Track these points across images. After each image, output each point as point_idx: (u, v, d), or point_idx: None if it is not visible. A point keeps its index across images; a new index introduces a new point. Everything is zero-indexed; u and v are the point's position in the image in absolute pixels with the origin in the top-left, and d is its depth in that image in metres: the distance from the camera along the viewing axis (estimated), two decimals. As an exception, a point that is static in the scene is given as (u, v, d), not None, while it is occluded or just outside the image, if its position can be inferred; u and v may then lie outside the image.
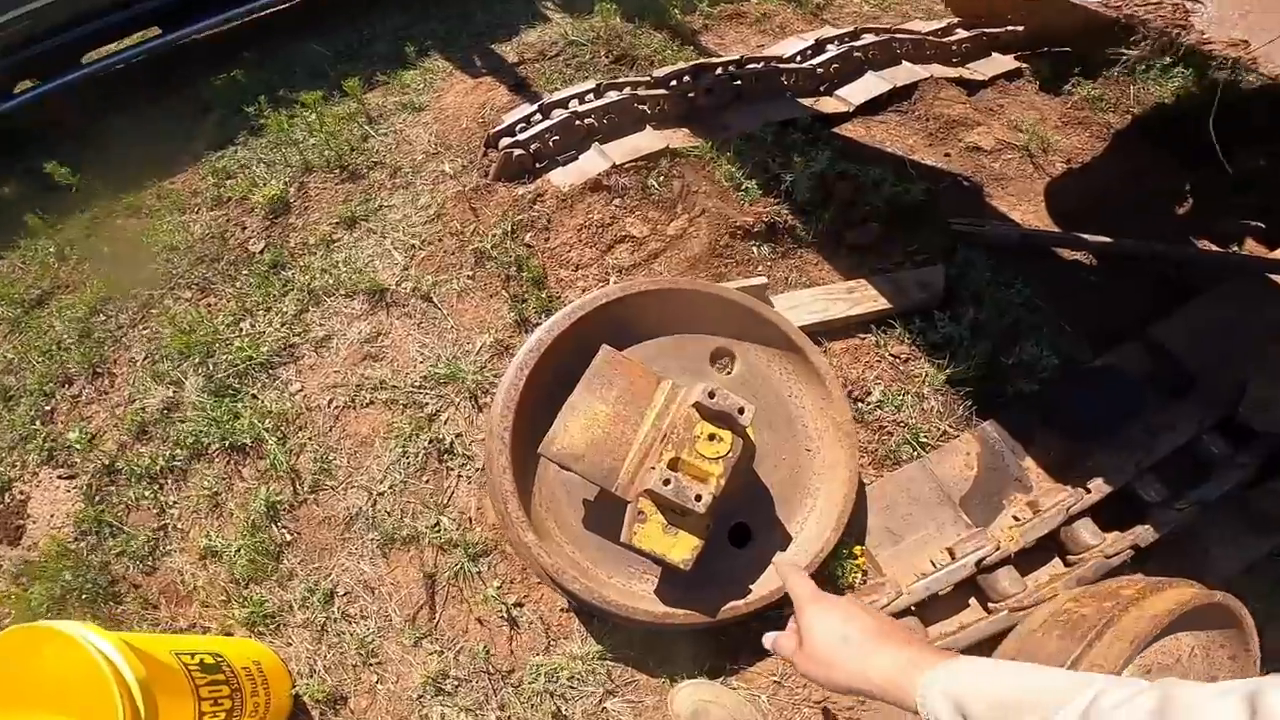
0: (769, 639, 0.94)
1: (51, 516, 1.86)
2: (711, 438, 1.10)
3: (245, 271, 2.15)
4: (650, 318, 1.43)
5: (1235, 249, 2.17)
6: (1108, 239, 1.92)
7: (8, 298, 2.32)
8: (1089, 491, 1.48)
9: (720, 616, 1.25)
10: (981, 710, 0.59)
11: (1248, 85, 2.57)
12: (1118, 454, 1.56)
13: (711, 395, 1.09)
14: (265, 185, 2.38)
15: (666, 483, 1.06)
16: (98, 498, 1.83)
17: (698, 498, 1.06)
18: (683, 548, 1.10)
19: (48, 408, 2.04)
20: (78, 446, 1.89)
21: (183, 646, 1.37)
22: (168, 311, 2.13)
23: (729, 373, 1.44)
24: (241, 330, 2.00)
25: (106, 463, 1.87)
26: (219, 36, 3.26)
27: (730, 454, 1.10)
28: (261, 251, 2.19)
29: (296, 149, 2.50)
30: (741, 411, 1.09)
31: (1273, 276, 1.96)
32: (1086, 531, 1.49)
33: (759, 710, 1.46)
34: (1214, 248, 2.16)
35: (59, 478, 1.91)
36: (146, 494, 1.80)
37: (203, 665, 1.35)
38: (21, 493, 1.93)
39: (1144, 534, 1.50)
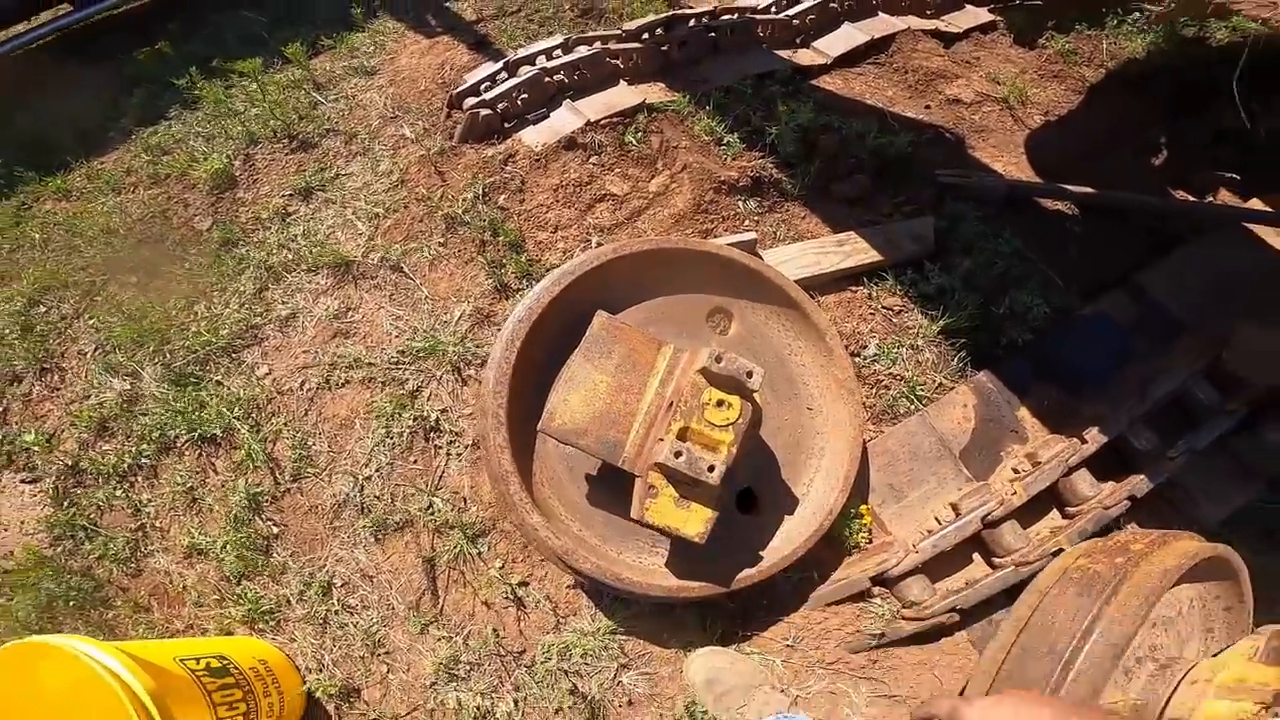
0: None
1: (21, 523, 1.74)
2: (720, 404, 1.04)
3: (194, 251, 1.99)
4: (641, 280, 1.35)
5: (1210, 200, 2.18)
6: (1092, 190, 1.90)
7: None
8: (1085, 442, 1.48)
9: (735, 586, 1.21)
10: None
11: (1217, 42, 2.56)
12: (1111, 403, 1.56)
13: (719, 360, 1.03)
14: (206, 160, 2.19)
15: (678, 455, 0.99)
16: (67, 500, 1.71)
17: (710, 468, 1.00)
18: (697, 521, 1.04)
19: None
20: (36, 448, 1.75)
21: (186, 651, 1.31)
22: (113, 299, 1.96)
23: (726, 333, 1.37)
24: (197, 314, 1.85)
25: (70, 463, 1.74)
26: (138, 9, 3.02)
27: (740, 420, 1.04)
28: (209, 229, 2.02)
29: (237, 120, 2.30)
30: (750, 375, 1.03)
31: (1251, 226, 1.96)
32: (1084, 483, 1.50)
33: (772, 673, 1.46)
34: (1190, 198, 2.16)
35: (21, 482, 1.78)
36: (118, 493, 1.69)
37: (210, 669, 1.29)
38: None
39: (1140, 484, 1.52)
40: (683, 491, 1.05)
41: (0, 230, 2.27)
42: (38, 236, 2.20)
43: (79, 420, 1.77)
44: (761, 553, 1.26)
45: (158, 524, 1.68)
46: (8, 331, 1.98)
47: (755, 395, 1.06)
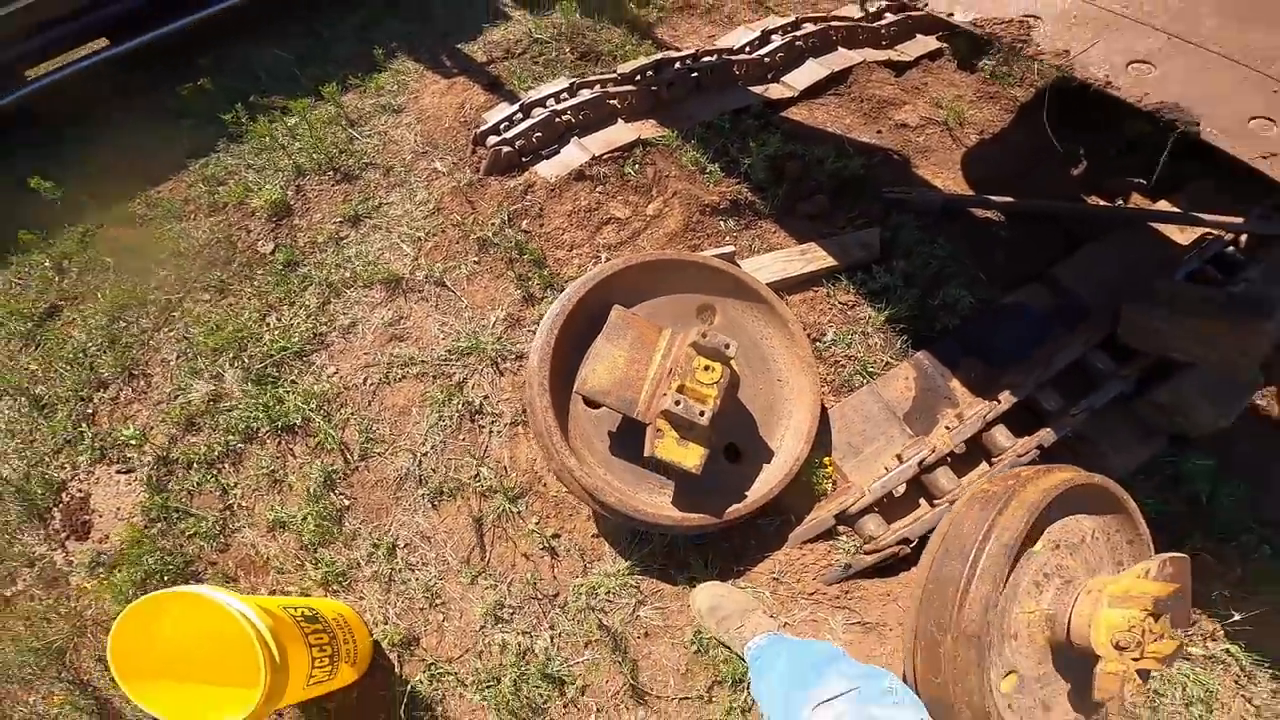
0: None
1: (118, 509, 2.07)
2: (706, 369, 1.45)
3: (260, 271, 2.36)
4: (645, 284, 1.76)
5: (1121, 202, 2.63)
6: (1012, 199, 2.34)
7: (17, 313, 2.45)
8: (999, 402, 1.90)
9: (726, 518, 1.61)
10: None
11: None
12: (1025, 374, 1.98)
13: (704, 335, 1.44)
14: (261, 190, 2.56)
15: (678, 403, 1.40)
16: (161, 487, 2.04)
17: (701, 413, 1.41)
18: (693, 455, 1.45)
19: (88, 411, 2.22)
20: (132, 442, 2.09)
21: (287, 603, 1.60)
22: (190, 313, 2.32)
23: (711, 323, 1.79)
24: (269, 325, 2.23)
25: (161, 454, 2.08)
26: (171, 44, 3.21)
27: (722, 380, 1.45)
28: (273, 252, 2.40)
29: (284, 153, 2.66)
30: (728, 346, 1.44)
31: (1153, 225, 2.41)
32: (1002, 435, 1.91)
33: (762, 601, 1.83)
34: (1103, 202, 2.61)
35: (117, 472, 2.11)
36: (207, 479, 2.03)
37: (305, 617, 1.60)
38: (80, 490, 2.12)
39: (1046, 436, 1.92)
40: (682, 434, 1.44)
41: (68, 254, 2.60)
42: (110, 260, 2.55)
43: (169, 417, 2.14)
44: (746, 493, 1.65)
45: (243, 504, 2.03)
46: (91, 344, 2.33)
47: (732, 363, 1.47)
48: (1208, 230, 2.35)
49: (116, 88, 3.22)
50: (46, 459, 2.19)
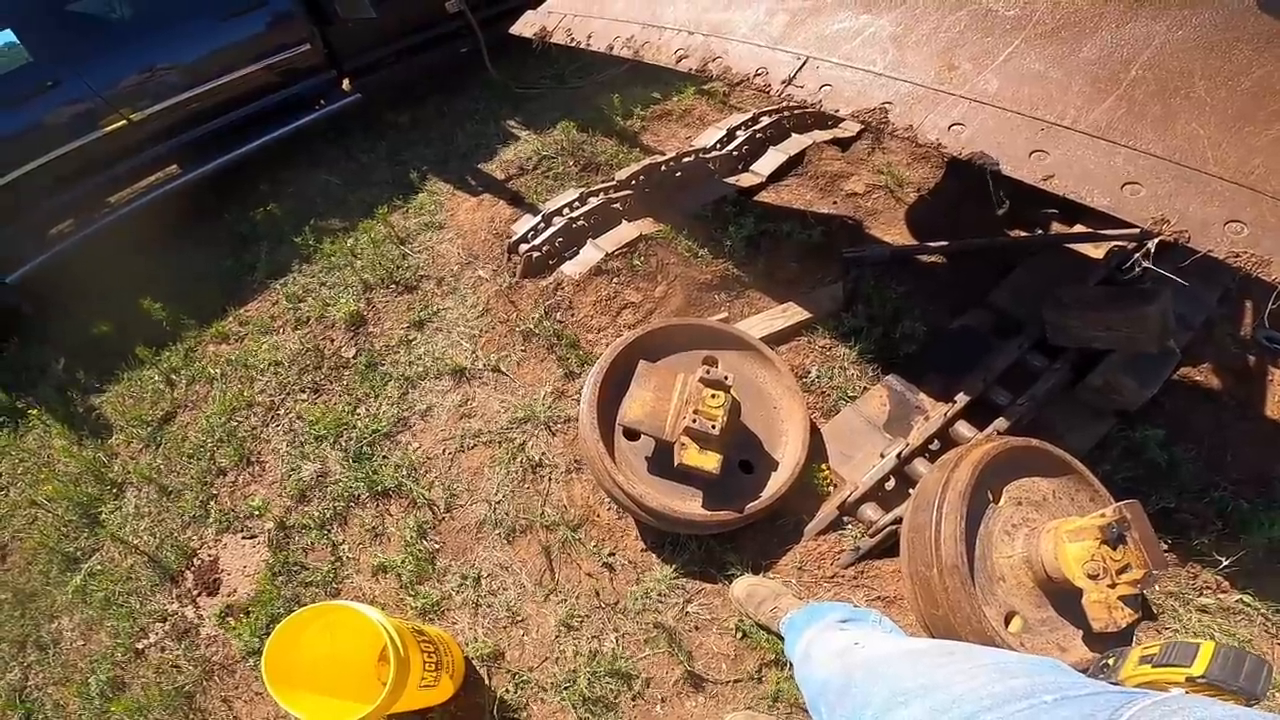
0: None
1: (244, 567, 2.64)
2: (713, 396, 2.08)
3: (347, 372, 3.06)
4: (660, 345, 2.42)
5: (1040, 232, 3.33)
6: (945, 243, 3.04)
7: (139, 419, 3.10)
8: (956, 402, 2.50)
9: (747, 513, 2.18)
10: None
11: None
12: (974, 378, 2.59)
13: (709, 371, 2.09)
14: (337, 304, 3.30)
15: (694, 421, 2.02)
16: (281, 547, 2.62)
17: (713, 426, 2.03)
18: (711, 460, 2.05)
19: (212, 493, 2.84)
20: (255, 514, 2.71)
21: (402, 620, 2.09)
22: (293, 410, 3.00)
23: (716, 366, 2.45)
24: (360, 414, 2.89)
25: (280, 522, 2.65)
26: (230, 171, 3.90)
27: (726, 402, 2.08)
28: (355, 356, 3.11)
29: (351, 270, 3.43)
30: (726, 377, 2.09)
31: (1068, 245, 3.08)
32: (964, 428, 2.48)
33: (791, 589, 2.32)
34: (1024, 234, 3.31)
35: (242, 539, 2.70)
36: (320, 538, 2.60)
37: (415, 631, 2.04)
38: (210, 555, 2.69)
39: (1000, 424, 2.47)
40: (701, 445, 2.03)
41: (175, 368, 3.26)
42: (216, 371, 3.22)
43: (284, 492, 2.76)
44: (761, 493, 2.22)
45: (351, 555, 2.60)
46: (209, 440, 3.00)
47: (732, 391, 2.09)
48: (1114, 243, 3.03)
49: (192, 214, 3.89)
50: (176, 533, 2.74)
